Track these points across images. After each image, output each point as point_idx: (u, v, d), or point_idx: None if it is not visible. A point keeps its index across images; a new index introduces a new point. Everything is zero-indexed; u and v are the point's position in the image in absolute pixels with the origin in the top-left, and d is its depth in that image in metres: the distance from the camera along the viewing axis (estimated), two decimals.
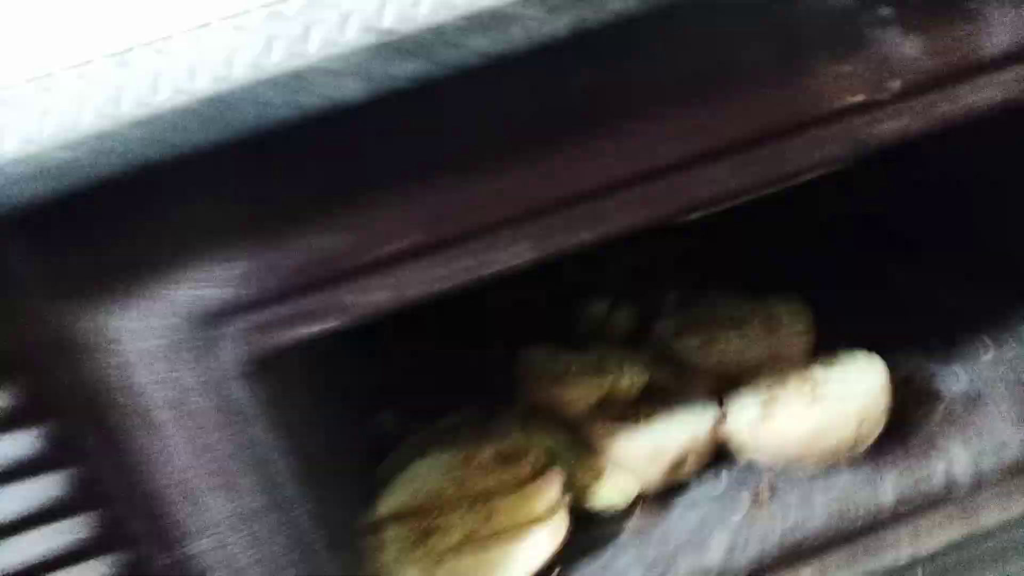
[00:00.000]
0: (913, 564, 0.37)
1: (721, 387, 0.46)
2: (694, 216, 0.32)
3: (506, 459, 0.44)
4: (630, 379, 0.47)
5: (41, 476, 0.30)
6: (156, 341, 0.30)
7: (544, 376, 0.48)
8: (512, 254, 0.31)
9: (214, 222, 0.29)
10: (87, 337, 0.29)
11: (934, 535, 0.37)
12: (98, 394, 0.30)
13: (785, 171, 0.30)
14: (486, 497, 0.42)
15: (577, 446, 0.45)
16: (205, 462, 0.31)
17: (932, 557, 0.37)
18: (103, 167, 0.26)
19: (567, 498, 0.41)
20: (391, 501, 0.43)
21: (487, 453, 0.44)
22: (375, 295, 0.31)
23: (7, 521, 0.30)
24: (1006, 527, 0.36)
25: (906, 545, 0.37)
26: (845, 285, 0.53)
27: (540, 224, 0.31)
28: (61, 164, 0.25)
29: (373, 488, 0.43)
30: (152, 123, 0.25)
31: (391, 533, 0.41)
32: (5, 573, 0.31)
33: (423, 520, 0.42)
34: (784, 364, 0.46)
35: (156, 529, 0.32)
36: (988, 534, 0.36)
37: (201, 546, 0.32)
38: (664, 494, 0.42)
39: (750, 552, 0.37)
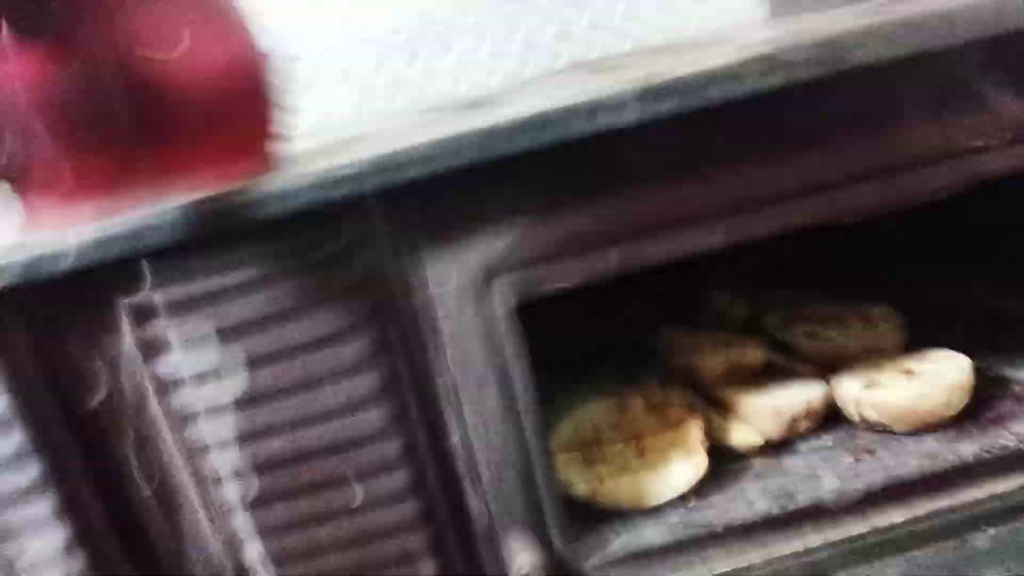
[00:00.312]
0: (983, 510, 0.47)
1: (825, 373, 0.57)
2: (843, 222, 0.44)
3: (654, 408, 0.55)
4: (753, 354, 0.58)
5: (358, 375, 0.42)
6: (452, 284, 0.42)
7: (683, 348, 0.60)
8: (706, 237, 0.43)
9: (506, 203, 0.41)
10: (410, 273, 0.42)
11: (1001, 487, 0.47)
12: (407, 318, 0.42)
13: (922, 191, 0.41)
14: (639, 436, 0.54)
15: (710, 404, 0.56)
16: (467, 372, 0.43)
17: (999, 508, 0.47)
18: (453, 160, 0.38)
19: (705, 441, 0.52)
20: (561, 434, 0.54)
21: (639, 402, 0.55)
22: (601, 265, 0.42)
23: (327, 408, 0.42)
24: None
25: (979, 493, 0.47)
26: (931, 295, 0.64)
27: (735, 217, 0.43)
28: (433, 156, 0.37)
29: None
30: (493, 134, 0.38)
31: (562, 458, 0.53)
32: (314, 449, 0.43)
33: (587, 451, 0.53)
34: (879, 356, 0.56)
35: (433, 416, 0.44)
36: None
37: (456, 435, 0.44)
38: (780, 446, 0.53)
39: (858, 489, 0.48)
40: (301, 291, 0.40)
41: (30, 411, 0.40)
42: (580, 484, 0.51)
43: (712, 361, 0.57)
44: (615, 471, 0.52)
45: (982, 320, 0.60)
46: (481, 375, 0.43)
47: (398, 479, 0.43)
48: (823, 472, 0.50)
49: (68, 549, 0.42)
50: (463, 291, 0.42)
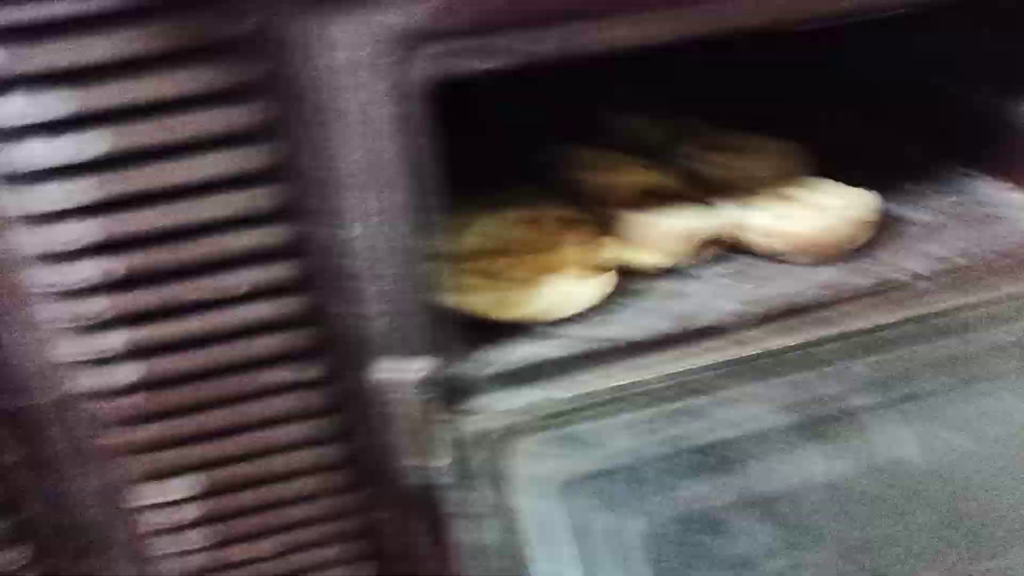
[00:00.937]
0: (869, 339, 0.48)
1: (738, 199, 0.55)
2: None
3: (566, 223, 0.52)
4: (667, 178, 0.55)
5: (244, 147, 0.36)
6: (362, 52, 0.35)
7: (596, 166, 0.56)
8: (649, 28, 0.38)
9: None
10: (310, 37, 0.35)
11: (891, 311, 0.49)
12: (307, 88, 0.36)
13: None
14: (546, 251, 0.51)
15: (620, 224, 0.53)
16: (374, 160, 0.38)
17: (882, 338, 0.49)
18: None
19: (614, 260, 0.50)
20: (463, 245, 0.51)
21: (550, 216, 0.52)
22: (539, 46, 0.37)
23: (207, 179, 0.36)
24: (949, 312, 0.48)
25: (865, 323, 0.48)
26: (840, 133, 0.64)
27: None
28: None
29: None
30: None
31: (463, 267, 0.49)
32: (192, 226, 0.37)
33: (489, 265, 0.50)
34: (787, 188, 0.55)
35: (326, 209, 0.38)
36: (936, 315, 0.47)
37: (355, 230, 0.39)
38: (684, 272, 0.52)
39: (755, 313, 0.48)
40: (178, 37, 0.33)
41: None
42: (480, 297, 0.48)
43: (626, 179, 0.54)
44: (517, 285, 0.49)
45: (885, 161, 0.61)
46: (387, 166, 0.38)
47: (281, 270, 0.38)
48: (724, 296, 0.50)
49: None
50: (376, 59, 0.36)
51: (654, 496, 0.45)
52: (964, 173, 0.60)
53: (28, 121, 0.33)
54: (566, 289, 0.49)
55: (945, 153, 0.61)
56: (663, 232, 0.52)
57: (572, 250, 0.50)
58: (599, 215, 0.54)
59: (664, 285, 0.51)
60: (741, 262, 0.53)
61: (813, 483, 0.46)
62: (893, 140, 0.64)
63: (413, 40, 0.36)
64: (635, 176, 0.54)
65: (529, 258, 0.50)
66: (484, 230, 0.52)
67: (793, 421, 0.48)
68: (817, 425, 0.48)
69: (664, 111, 0.66)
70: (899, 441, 0.49)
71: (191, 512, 0.43)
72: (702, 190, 0.56)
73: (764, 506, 0.45)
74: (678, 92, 0.69)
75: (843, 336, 0.47)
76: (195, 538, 0.44)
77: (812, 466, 0.47)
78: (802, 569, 0.44)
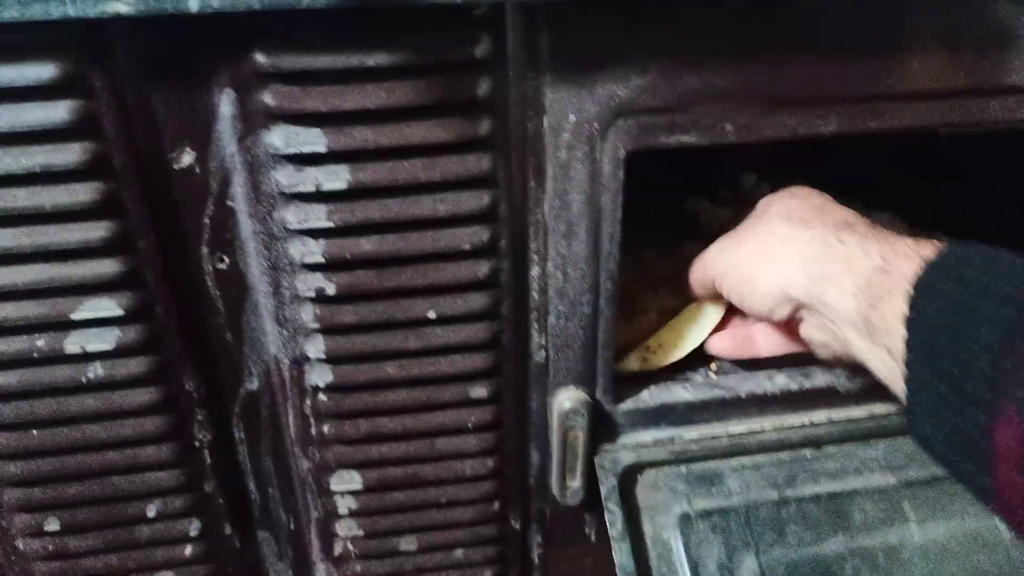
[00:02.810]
0: None
1: None
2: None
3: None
4: None
5: (461, 191, 0.39)
6: (573, 117, 0.38)
7: (710, 220, 0.59)
8: (821, 125, 0.41)
9: (646, 45, 0.37)
10: (528, 102, 0.38)
11: None
12: (519, 145, 0.39)
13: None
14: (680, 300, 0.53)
15: None
16: (565, 212, 0.41)
17: None
18: None
19: None
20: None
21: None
22: (724, 127, 0.40)
23: (427, 217, 0.39)
24: None
25: None
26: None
27: (844, 109, 0.40)
28: None
29: None
30: None
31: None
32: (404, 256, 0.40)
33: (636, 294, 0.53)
34: None
35: (519, 250, 0.41)
36: None
37: (538, 270, 0.42)
38: None
39: (866, 379, 0.50)
40: (424, 92, 0.36)
41: (105, 162, 0.35)
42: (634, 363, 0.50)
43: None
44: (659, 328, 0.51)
45: None
46: (576, 218, 0.41)
47: (477, 301, 0.41)
48: None
49: (123, 316, 0.39)
50: (581, 128, 0.39)
51: (765, 538, 0.47)
52: None
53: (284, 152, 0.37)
54: (692, 318, 0.51)
55: None
56: None
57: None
58: None
59: None
60: None
61: (910, 542, 0.48)
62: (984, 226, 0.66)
63: (616, 113, 0.39)
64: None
65: (663, 306, 0.52)
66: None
67: (890, 482, 0.50)
68: (915, 488, 0.50)
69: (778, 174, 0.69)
70: (982, 512, 0.50)
71: (354, 503, 0.46)
72: None
73: (866, 558, 0.47)
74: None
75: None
76: (354, 527, 0.47)
77: (910, 526, 0.49)
78: None
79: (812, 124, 0.41)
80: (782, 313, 0.43)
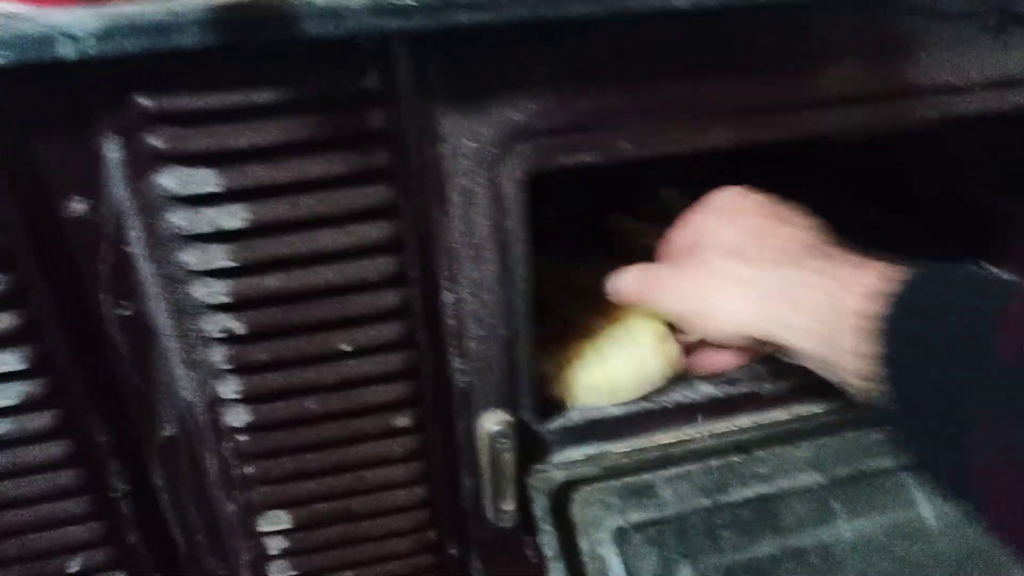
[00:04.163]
0: None
1: None
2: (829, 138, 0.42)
3: None
4: None
5: (363, 223, 0.38)
6: (469, 144, 0.38)
7: (632, 235, 0.59)
8: (715, 136, 0.40)
9: (544, 69, 0.37)
10: (424, 132, 0.37)
11: None
12: (418, 174, 0.38)
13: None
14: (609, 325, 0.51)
15: None
16: (470, 237, 0.40)
17: None
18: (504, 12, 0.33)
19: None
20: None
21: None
22: (621, 145, 0.39)
23: (330, 250, 0.38)
24: None
25: None
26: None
27: (741, 120, 0.40)
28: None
29: None
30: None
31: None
32: (311, 290, 0.39)
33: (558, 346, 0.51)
34: None
35: (428, 277, 0.40)
36: None
37: (450, 296, 0.41)
38: None
39: (789, 383, 0.49)
40: (317, 127, 0.35)
41: None
42: (554, 384, 0.49)
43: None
44: (589, 369, 0.49)
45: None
46: (483, 242, 0.40)
47: (390, 330, 0.40)
48: (757, 364, 0.52)
49: (26, 370, 0.37)
50: (479, 154, 0.38)
51: (699, 546, 0.46)
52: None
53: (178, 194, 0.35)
54: (640, 367, 0.49)
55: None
56: None
57: (637, 324, 0.51)
58: None
59: None
60: None
61: (841, 539, 0.48)
62: (904, 227, 0.67)
63: (513, 138, 0.38)
64: None
65: (593, 338, 0.51)
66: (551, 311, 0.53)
67: (818, 480, 0.49)
68: (842, 485, 0.49)
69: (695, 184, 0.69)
70: (913, 502, 0.50)
71: (285, 543, 0.44)
72: None
73: (799, 558, 0.47)
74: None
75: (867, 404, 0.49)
76: (286, 567, 0.45)
77: (839, 523, 0.48)
78: None
79: (703, 137, 0.40)
80: (741, 343, 0.42)
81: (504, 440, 0.45)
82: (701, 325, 0.43)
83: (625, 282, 0.46)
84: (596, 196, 0.69)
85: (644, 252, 0.57)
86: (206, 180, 0.35)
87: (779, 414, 0.50)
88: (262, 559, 0.45)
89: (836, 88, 0.41)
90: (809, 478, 0.49)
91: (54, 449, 0.39)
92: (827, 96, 0.41)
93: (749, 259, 0.41)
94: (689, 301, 0.43)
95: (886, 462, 0.50)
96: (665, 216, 0.65)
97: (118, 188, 0.35)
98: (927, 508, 0.50)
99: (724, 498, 0.48)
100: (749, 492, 0.48)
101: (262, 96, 0.34)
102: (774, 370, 0.50)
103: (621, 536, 0.47)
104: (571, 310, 0.52)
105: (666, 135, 0.40)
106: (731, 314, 0.41)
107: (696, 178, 0.69)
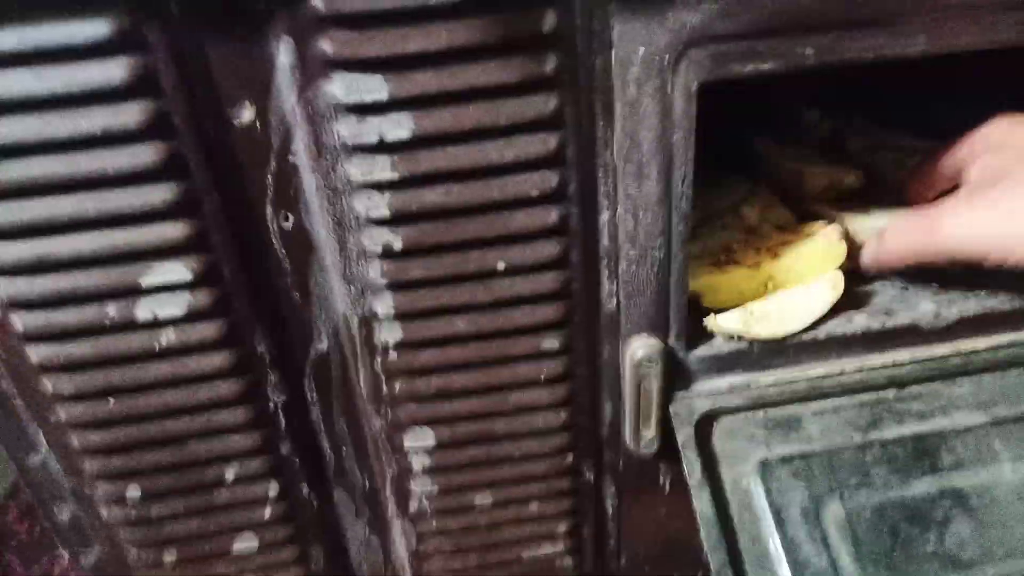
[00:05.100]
0: None
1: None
2: None
3: (780, 225, 0.52)
4: (854, 176, 0.54)
5: (529, 134, 0.36)
6: (642, 49, 0.36)
7: (784, 159, 0.56)
8: (911, 43, 0.37)
9: None
10: (595, 36, 0.35)
11: None
12: (587, 83, 0.36)
13: None
14: (774, 255, 0.49)
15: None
16: (632, 150, 0.38)
17: None
18: None
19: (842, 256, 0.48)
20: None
21: (764, 218, 0.52)
22: (803, 51, 0.37)
23: (494, 164, 0.37)
24: None
25: None
26: None
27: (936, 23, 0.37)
28: None
29: None
30: None
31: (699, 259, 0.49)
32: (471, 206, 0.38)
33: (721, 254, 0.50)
34: None
35: (587, 194, 0.39)
36: None
37: (606, 214, 0.40)
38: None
39: (951, 315, 0.47)
40: (487, 31, 0.34)
41: (165, 122, 0.34)
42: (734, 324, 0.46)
43: (815, 176, 0.54)
44: (757, 302, 0.47)
45: None
46: (646, 158, 0.38)
47: (546, 249, 0.39)
48: (916, 295, 0.49)
49: (192, 281, 0.38)
50: (651, 61, 0.36)
51: (849, 482, 0.45)
52: None
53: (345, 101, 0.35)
54: (805, 298, 0.47)
55: None
56: (857, 229, 0.51)
57: (801, 250, 0.49)
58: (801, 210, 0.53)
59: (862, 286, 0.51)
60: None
61: (1003, 481, 0.46)
62: None
63: (687, 44, 0.36)
64: (822, 171, 0.54)
65: (759, 267, 0.49)
66: (710, 239, 0.51)
67: (979, 420, 0.47)
68: (1006, 425, 0.47)
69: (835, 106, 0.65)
70: None
71: (428, 460, 0.45)
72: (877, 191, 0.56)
73: (957, 499, 0.45)
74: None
75: None
76: (428, 484, 0.46)
77: (1002, 464, 0.46)
78: (1002, 566, 0.44)
79: (898, 43, 0.37)
80: None
81: (650, 365, 0.44)
82: None
83: (896, 237, 0.43)
84: (733, 120, 0.66)
85: (792, 177, 0.55)
86: (374, 87, 0.34)
87: (939, 349, 0.47)
88: (405, 474, 0.46)
89: None
90: (970, 417, 0.47)
91: (217, 359, 0.40)
92: None
93: None
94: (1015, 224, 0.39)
95: None
96: (808, 142, 0.62)
97: (288, 96, 0.35)
98: None
99: (876, 435, 0.46)
100: (904, 429, 0.47)
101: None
102: (935, 301, 0.48)
103: (765, 469, 0.46)
104: (727, 237, 0.50)
105: (855, 42, 0.37)
106: None
107: (838, 103, 0.66)
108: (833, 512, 0.45)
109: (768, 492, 0.45)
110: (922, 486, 0.45)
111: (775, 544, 0.44)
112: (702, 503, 0.44)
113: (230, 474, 0.45)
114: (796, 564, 0.43)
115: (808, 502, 0.45)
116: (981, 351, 0.48)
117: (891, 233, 0.45)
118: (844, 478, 0.46)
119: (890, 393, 0.48)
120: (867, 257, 0.47)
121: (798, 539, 0.44)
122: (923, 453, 0.46)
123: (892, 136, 0.62)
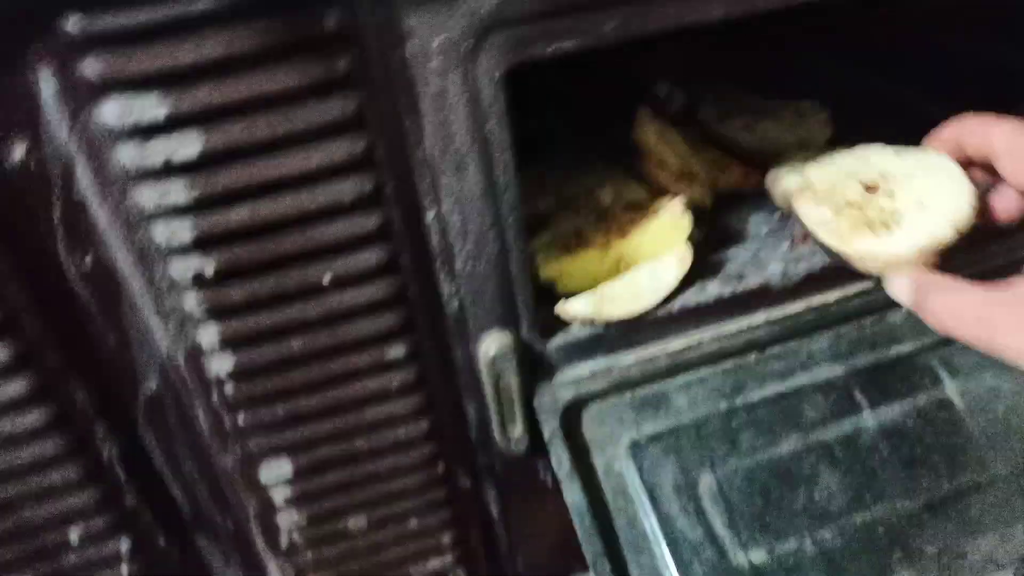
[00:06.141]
0: None
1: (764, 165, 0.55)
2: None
3: (629, 201, 0.52)
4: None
5: (329, 140, 0.35)
6: (438, 39, 0.35)
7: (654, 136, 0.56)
8: (708, 8, 0.38)
9: None
10: (386, 31, 0.34)
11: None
12: (385, 80, 0.35)
13: None
14: (621, 234, 0.50)
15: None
16: (446, 144, 0.38)
17: None
18: None
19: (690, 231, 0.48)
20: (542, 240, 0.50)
21: (613, 195, 0.52)
22: (604, 27, 0.37)
23: (296, 174, 0.36)
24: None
25: None
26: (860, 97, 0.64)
27: None
28: None
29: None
30: None
31: (545, 242, 0.49)
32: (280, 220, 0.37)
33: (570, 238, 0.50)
34: (812, 148, 0.55)
35: (406, 195, 0.38)
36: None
37: (431, 213, 0.39)
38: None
39: (798, 273, 0.48)
40: (265, 35, 0.32)
41: None
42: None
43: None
44: (607, 284, 0.47)
45: (909, 122, 0.61)
46: (463, 150, 0.38)
47: (371, 256, 0.38)
48: (767, 257, 0.50)
49: None
50: (449, 50, 0.35)
51: (719, 450, 0.46)
52: None
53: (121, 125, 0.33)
54: (653, 275, 0.47)
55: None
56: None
57: (648, 228, 0.49)
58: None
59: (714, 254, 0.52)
60: (774, 222, 0.53)
61: (867, 429, 0.47)
62: (915, 100, 0.64)
63: (485, 29, 0.35)
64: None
65: (605, 246, 0.49)
66: (561, 226, 0.51)
67: (837, 372, 0.49)
68: (863, 374, 0.49)
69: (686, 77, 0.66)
70: (940, 383, 0.49)
71: (289, 491, 0.43)
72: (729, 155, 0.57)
73: (823, 453, 0.46)
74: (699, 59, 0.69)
75: (879, 287, 0.48)
76: (295, 516, 0.44)
77: (863, 413, 0.47)
78: (872, 511, 0.45)
79: (696, 9, 0.38)
80: None
81: (506, 362, 0.44)
82: None
83: (947, 312, 0.38)
84: (593, 104, 0.66)
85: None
86: (149, 107, 0.32)
87: (792, 307, 0.48)
88: (268, 509, 0.45)
89: None
90: (828, 371, 0.48)
91: (33, 416, 0.38)
92: None
93: None
94: None
95: (907, 346, 0.49)
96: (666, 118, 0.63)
97: (59, 128, 0.33)
98: (952, 388, 0.49)
99: (741, 400, 0.47)
100: (767, 391, 0.48)
101: (200, 4, 0.31)
102: (783, 260, 0.49)
103: (636, 449, 0.46)
104: (578, 221, 0.50)
105: (654, 13, 0.37)
106: None
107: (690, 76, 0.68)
108: (706, 483, 0.45)
109: (640, 472, 0.46)
110: (788, 445, 0.46)
111: (651, 524, 0.44)
112: (572, 494, 0.44)
113: (74, 536, 0.42)
114: (673, 540, 0.44)
115: (680, 476, 0.45)
116: (832, 304, 0.49)
117: (943, 304, 0.38)
118: (713, 447, 0.46)
119: (751, 357, 0.49)
120: (903, 298, 0.41)
121: (673, 515, 0.44)
122: (787, 412, 0.47)
123: (744, 100, 0.63)
